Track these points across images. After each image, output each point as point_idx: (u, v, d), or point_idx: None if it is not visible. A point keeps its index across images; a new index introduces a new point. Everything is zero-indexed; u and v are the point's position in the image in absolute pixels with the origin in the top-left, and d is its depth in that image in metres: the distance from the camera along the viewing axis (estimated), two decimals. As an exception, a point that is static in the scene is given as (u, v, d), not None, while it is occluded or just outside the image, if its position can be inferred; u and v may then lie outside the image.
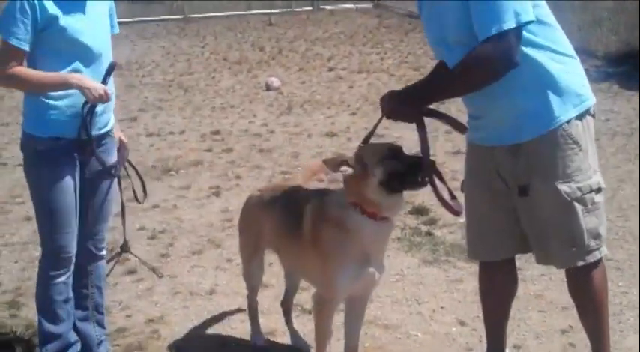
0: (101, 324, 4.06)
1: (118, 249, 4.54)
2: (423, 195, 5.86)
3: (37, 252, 4.51)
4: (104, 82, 3.62)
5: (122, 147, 4.03)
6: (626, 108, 9.16)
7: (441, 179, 3.17)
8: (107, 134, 3.82)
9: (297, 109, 10.06)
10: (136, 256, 4.93)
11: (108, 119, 3.79)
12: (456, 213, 3.17)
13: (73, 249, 3.78)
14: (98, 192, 3.86)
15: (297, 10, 19.86)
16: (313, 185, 3.92)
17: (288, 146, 8.35)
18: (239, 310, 4.56)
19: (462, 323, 4.38)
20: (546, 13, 3.07)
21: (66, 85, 3.51)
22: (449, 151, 7.08)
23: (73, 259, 3.81)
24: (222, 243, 5.70)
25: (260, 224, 3.88)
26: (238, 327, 4.42)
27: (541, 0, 3.06)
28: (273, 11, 19.35)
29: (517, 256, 3.55)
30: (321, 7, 20.25)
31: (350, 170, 3.21)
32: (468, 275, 4.88)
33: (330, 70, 12.72)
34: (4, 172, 7.38)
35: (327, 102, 10.41)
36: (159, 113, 10.19)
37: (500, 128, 3.13)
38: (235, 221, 5.82)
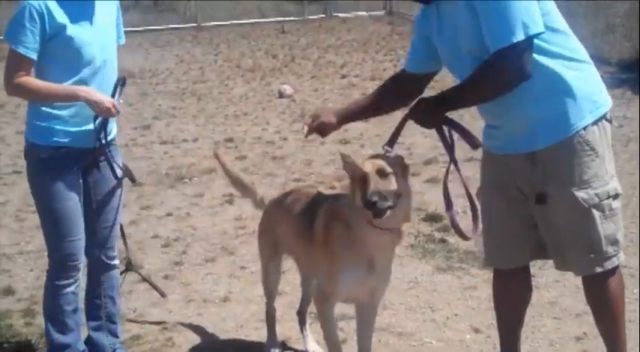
0: (114, 333, 4.05)
1: (124, 267, 4.49)
2: (436, 203, 5.86)
3: (51, 261, 4.53)
4: (113, 95, 3.64)
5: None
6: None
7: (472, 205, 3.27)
8: (111, 142, 3.83)
9: (310, 117, 10.02)
10: (140, 275, 4.84)
11: (111, 128, 3.80)
12: (464, 238, 3.29)
13: (80, 257, 3.78)
14: (104, 201, 3.85)
15: (310, 17, 19.86)
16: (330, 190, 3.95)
17: (300, 153, 8.36)
18: (253, 318, 4.56)
19: (477, 331, 4.37)
20: (558, 19, 3.07)
21: (74, 98, 3.52)
22: (462, 158, 7.07)
23: (81, 268, 3.82)
24: (236, 251, 5.71)
25: (279, 227, 3.93)
26: (252, 335, 4.43)
27: (552, 6, 3.05)
28: (286, 19, 19.37)
29: (531, 263, 3.55)
30: (334, 14, 20.25)
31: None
32: (482, 283, 4.87)
33: (343, 77, 12.72)
34: (18, 180, 7.41)
35: (340, 109, 10.35)
36: (172, 121, 10.22)
37: (516, 136, 3.13)
38: (249, 228, 5.88)
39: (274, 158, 8.27)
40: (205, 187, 7.34)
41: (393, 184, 3.18)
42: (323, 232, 3.51)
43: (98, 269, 3.94)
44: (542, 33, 2.89)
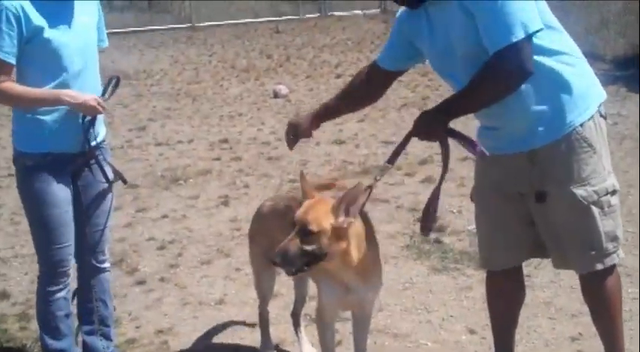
0: (107, 337, 4.03)
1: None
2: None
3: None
4: (103, 94, 3.61)
5: None
6: (634, 112, 9.11)
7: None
8: (100, 144, 3.77)
9: (305, 117, 10.02)
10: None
11: (99, 129, 3.74)
12: (426, 232, 3.30)
13: (70, 263, 3.76)
14: (93, 205, 3.82)
15: (305, 17, 19.88)
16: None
17: (296, 154, 8.34)
18: (247, 320, 4.56)
19: (472, 332, 4.37)
20: (550, 16, 3.06)
21: (58, 102, 3.48)
22: (457, 158, 7.14)
23: (70, 273, 3.80)
24: (232, 253, 5.70)
25: (271, 232, 3.88)
26: (247, 337, 4.42)
27: (544, 4, 3.04)
28: (280, 18, 19.40)
29: (526, 263, 3.55)
30: (329, 13, 20.27)
31: None
32: (477, 283, 4.87)
33: (338, 76, 12.72)
34: (13, 184, 7.37)
35: (335, 109, 10.36)
36: (167, 122, 10.22)
37: (514, 136, 3.12)
38: (244, 230, 5.84)
39: (270, 159, 8.27)
40: (201, 189, 7.33)
41: (311, 245, 3.04)
42: None
43: (89, 273, 3.91)
44: (542, 29, 2.88)
